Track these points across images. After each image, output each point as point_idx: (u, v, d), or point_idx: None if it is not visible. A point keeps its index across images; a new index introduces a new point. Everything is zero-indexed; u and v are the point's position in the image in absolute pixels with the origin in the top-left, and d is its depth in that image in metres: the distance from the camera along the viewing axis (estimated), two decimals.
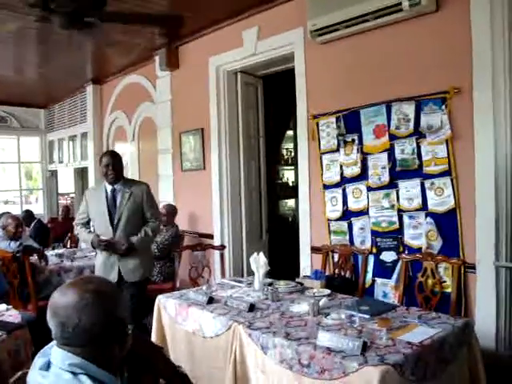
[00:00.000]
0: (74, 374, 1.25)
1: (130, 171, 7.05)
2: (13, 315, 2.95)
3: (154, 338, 3.25)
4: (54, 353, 1.31)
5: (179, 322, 3.10)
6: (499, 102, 3.09)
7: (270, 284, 3.34)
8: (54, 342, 1.34)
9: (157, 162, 6.20)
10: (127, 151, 7.14)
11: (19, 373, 1.61)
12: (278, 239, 5.67)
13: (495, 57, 3.09)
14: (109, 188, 3.77)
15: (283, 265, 4.54)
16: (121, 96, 7.26)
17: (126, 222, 3.74)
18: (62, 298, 1.30)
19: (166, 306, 3.25)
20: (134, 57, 6.28)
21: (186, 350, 3.03)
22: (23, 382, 1.51)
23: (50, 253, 5.25)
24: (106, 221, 3.74)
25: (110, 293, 1.35)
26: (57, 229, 7.71)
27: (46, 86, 7.98)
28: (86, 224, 3.91)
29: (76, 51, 5.94)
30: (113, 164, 3.69)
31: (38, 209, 9.66)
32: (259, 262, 3.31)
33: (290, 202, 6.77)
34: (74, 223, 4.08)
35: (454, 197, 3.28)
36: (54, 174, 9.97)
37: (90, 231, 3.87)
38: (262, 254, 3.39)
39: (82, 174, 9.05)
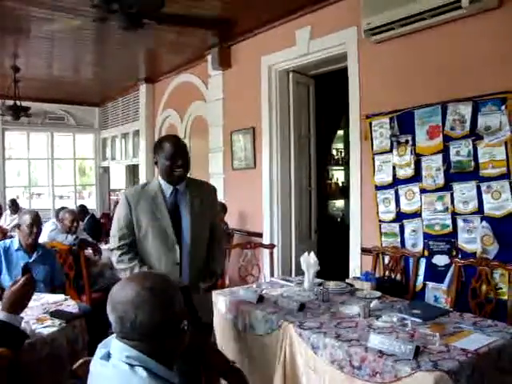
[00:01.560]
0: (131, 365, 1.29)
1: None
2: (70, 305, 3.06)
3: None
4: (114, 344, 1.35)
5: (229, 318, 3.14)
6: None
7: (320, 284, 3.33)
8: (114, 334, 1.39)
9: (208, 160, 6.28)
10: None
11: (81, 360, 1.67)
12: (327, 239, 5.65)
13: None
14: (167, 189, 2.74)
15: (332, 265, 4.51)
16: (173, 94, 7.40)
17: (195, 239, 2.75)
18: (120, 293, 1.35)
19: (217, 303, 3.29)
20: (187, 56, 6.39)
21: (236, 346, 3.06)
22: (83, 369, 1.57)
23: (102, 247, 5.41)
24: (168, 236, 2.69)
25: (166, 290, 1.38)
26: (108, 224, 7.92)
27: (101, 84, 8.25)
28: (130, 248, 2.70)
29: (130, 51, 6.11)
30: (182, 155, 2.68)
31: (91, 204, 9.97)
32: (310, 262, 3.30)
33: (339, 203, 6.73)
34: (109, 248, 3.05)
35: None
36: (106, 170, 10.27)
37: (143, 265, 2.68)
38: (312, 253, 3.38)
39: (133, 170, 9.28)
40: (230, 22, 5.10)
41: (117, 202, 9.09)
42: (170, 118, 7.55)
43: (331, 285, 3.31)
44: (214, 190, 3.01)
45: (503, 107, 3.18)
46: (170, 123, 7.58)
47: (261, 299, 3.09)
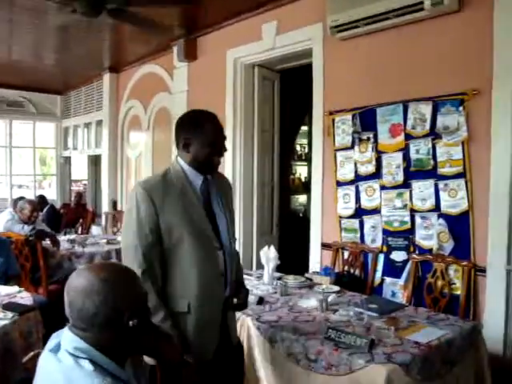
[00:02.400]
0: (78, 357, 1.26)
1: (144, 161, 7.10)
2: (24, 297, 2.99)
3: None
4: (65, 335, 1.33)
5: None
6: None
7: (280, 278, 3.36)
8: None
9: (171, 153, 6.22)
10: (141, 140, 7.19)
11: (32, 353, 1.64)
12: (289, 234, 5.68)
13: None
14: (196, 179, 2.13)
15: (293, 260, 4.54)
16: (137, 85, 7.29)
17: (233, 243, 2.27)
18: (75, 280, 1.34)
19: None
20: (152, 46, 6.30)
21: None
22: (34, 363, 1.54)
23: (61, 238, 5.30)
24: (209, 241, 2.10)
25: (120, 284, 1.34)
26: (69, 215, 7.81)
27: (64, 72, 8.03)
28: (152, 262, 2.01)
29: (94, 39, 5.97)
30: (223, 138, 2.18)
31: (51, 194, 9.74)
32: (269, 256, 3.33)
33: (302, 198, 6.78)
34: (136, 267, 1.93)
35: (468, 199, 3.26)
36: (67, 160, 10.05)
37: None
38: (272, 247, 3.40)
39: (95, 161, 9.12)
40: (197, 13, 5.05)
41: (78, 193, 9.04)
42: (133, 109, 7.44)
43: (290, 279, 3.34)
44: (230, 183, 2.45)
45: (461, 108, 3.26)
46: (133, 114, 7.47)
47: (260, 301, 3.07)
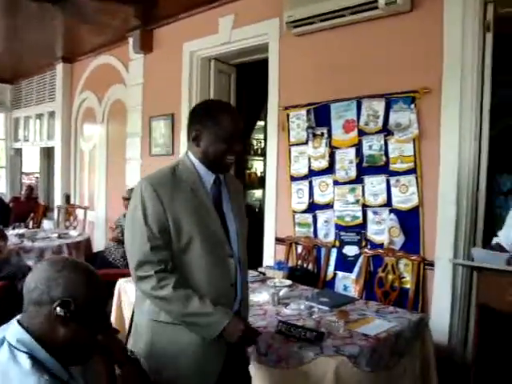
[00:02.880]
0: (18, 350, 1.22)
1: (98, 153, 6.96)
2: None
3: (113, 321, 3.22)
4: (11, 327, 1.29)
5: None
6: (466, 105, 3.16)
7: None
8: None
9: (125, 146, 6.12)
10: (96, 133, 7.04)
11: None
12: None
13: (464, 60, 3.15)
14: (208, 178, 1.91)
15: (248, 254, 4.50)
16: (92, 76, 7.13)
17: (244, 249, 2.07)
18: (36, 269, 1.33)
19: (127, 290, 3.23)
20: (107, 37, 6.15)
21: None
22: None
23: (10, 232, 5.13)
24: (220, 246, 1.88)
25: (69, 272, 1.30)
26: (19, 208, 7.55)
27: (14, 60, 7.72)
28: (169, 265, 1.79)
29: (46, 27, 5.77)
30: (240, 135, 1.93)
31: (0, 187, 9.42)
32: None
33: (258, 193, 6.79)
34: (137, 276, 1.79)
35: (418, 195, 3.33)
36: (18, 152, 9.73)
37: (200, 299, 1.78)
38: None
39: (48, 153, 8.87)
40: (153, 4, 4.97)
41: (29, 186, 8.76)
42: (88, 101, 7.27)
43: None
44: (241, 187, 2.22)
45: (412, 106, 3.33)
46: (87, 106, 7.30)
47: None
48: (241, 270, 1.96)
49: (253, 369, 2.33)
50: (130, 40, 5.76)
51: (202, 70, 5.10)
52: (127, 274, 4.02)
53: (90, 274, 1.36)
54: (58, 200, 7.77)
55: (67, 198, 7.65)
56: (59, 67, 7.64)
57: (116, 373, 1.59)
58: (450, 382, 2.97)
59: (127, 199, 5.10)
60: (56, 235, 5.36)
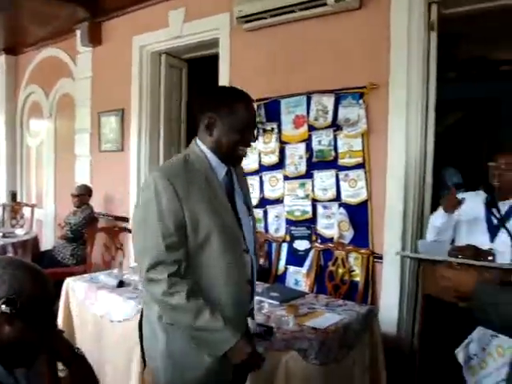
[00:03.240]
0: None
1: (46, 150, 6.75)
2: None
3: (60, 322, 3.14)
4: None
5: (88, 304, 3.02)
6: (412, 101, 3.23)
7: None
8: None
9: (74, 141, 5.96)
10: (43, 128, 6.82)
11: None
12: None
13: (410, 57, 3.22)
14: (220, 169, 1.79)
15: None
16: (38, 69, 6.89)
17: (256, 244, 1.95)
18: None
19: (75, 289, 3.16)
20: (54, 29, 5.94)
21: (94, 334, 2.96)
22: None
23: None
24: (237, 241, 1.76)
25: (13, 268, 1.27)
26: None
27: None
28: (182, 269, 1.66)
29: None
30: (255, 125, 1.93)
31: None
32: None
33: None
34: (146, 277, 1.65)
35: (367, 189, 3.39)
36: None
37: (211, 313, 1.64)
38: None
39: None
40: None
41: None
42: (34, 95, 7.02)
43: None
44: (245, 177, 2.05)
45: (361, 101, 3.38)
46: (33, 100, 7.06)
47: (121, 284, 3.01)
48: (255, 265, 1.85)
49: None
50: (78, 32, 5.60)
51: (152, 64, 5.01)
52: (76, 273, 3.98)
53: (36, 272, 1.32)
54: (3, 198, 7.49)
55: (13, 195, 7.40)
56: (1, 59, 7.33)
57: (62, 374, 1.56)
58: (399, 371, 3.04)
59: (77, 196, 5.00)
60: (0, 234, 5.17)
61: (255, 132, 1.83)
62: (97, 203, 5.30)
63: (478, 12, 3.39)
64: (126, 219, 5.13)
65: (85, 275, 3.43)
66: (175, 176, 1.66)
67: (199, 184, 1.69)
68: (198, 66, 5.38)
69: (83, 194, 5.07)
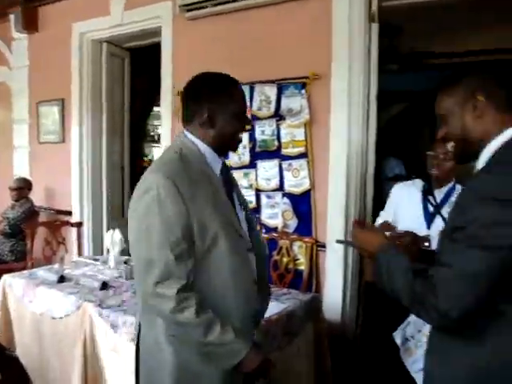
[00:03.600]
0: None
1: None
2: None
3: None
4: None
5: (26, 302, 2.91)
6: (354, 91, 3.28)
7: (126, 261, 3.26)
8: None
9: (11, 132, 5.72)
10: None
11: None
12: None
13: (351, 48, 3.26)
14: (216, 163, 1.66)
15: None
16: None
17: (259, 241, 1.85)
18: None
19: (13, 286, 3.04)
20: None
21: (34, 332, 2.87)
22: None
23: None
24: (241, 241, 1.64)
25: None
26: None
27: None
28: (189, 277, 1.51)
29: None
30: None
31: None
32: (114, 239, 3.21)
33: None
34: (167, 287, 1.47)
35: (310, 179, 3.42)
36: None
37: (222, 326, 1.53)
38: (117, 230, 3.28)
39: None
40: None
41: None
42: None
43: None
44: None
45: (303, 91, 3.40)
46: None
47: (61, 280, 2.92)
48: (261, 264, 1.74)
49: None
50: (12, 17, 5.32)
51: (92, 52, 4.86)
52: (15, 269, 3.82)
53: None
54: None
55: None
56: None
57: None
58: (343, 357, 3.10)
59: (15, 189, 4.82)
60: None
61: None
62: (37, 197, 5.11)
63: (418, 5, 3.47)
64: (69, 213, 4.99)
65: (24, 271, 3.31)
66: (176, 175, 1.50)
67: (201, 182, 1.55)
68: (141, 55, 5.27)
69: (22, 188, 4.89)
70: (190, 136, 1.63)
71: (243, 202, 1.78)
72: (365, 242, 1.51)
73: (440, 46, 6.01)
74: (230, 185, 1.72)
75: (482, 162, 1.33)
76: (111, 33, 4.67)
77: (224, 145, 1.65)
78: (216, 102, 1.59)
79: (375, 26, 3.35)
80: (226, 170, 1.72)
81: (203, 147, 1.61)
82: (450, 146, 1.45)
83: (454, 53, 6.04)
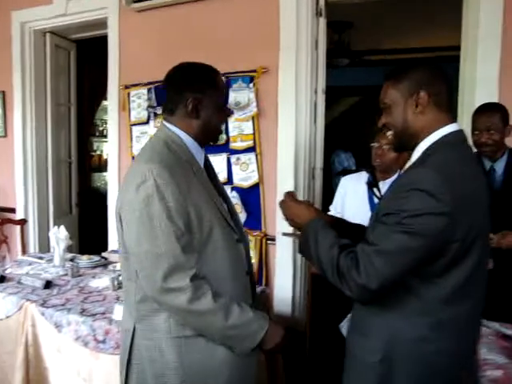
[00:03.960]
0: None
1: None
2: None
3: None
4: None
5: None
6: (301, 85, 3.30)
7: (72, 259, 3.18)
8: None
9: None
10: None
11: None
12: (91, 213, 5.43)
13: (299, 42, 3.28)
14: (199, 154, 1.65)
15: (94, 239, 4.34)
16: None
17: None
18: None
19: None
20: None
21: None
22: None
23: None
24: (231, 231, 1.62)
25: None
26: None
27: None
28: (196, 268, 1.49)
29: None
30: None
31: None
32: (59, 237, 3.12)
33: (105, 175, 6.52)
34: (176, 280, 1.45)
35: (258, 172, 3.42)
36: None
37: (238, 305, 1.55)
38: (62, 227, 3.19)
39: None
40: None
41: None
42: None
43: (84, 259, 3.19)
44: None
45: (251, 85, 3.39)
46: None
47: (2, 280, 2.82)
48: (248, 254, 1.74)
49: (91, 358, 2.26)
50: None
51: (35, 43, 4.66)
52: None
53: None
54: None
55: None
56: None
57: None
58: (293, 350, 3.13)
59: None
60: None
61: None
62: None
63: (363, 1, 3.53)
64: (13, 210, 4.81)
65: None
66: (173, 167, 1.49)
67: (191, 173, 1.55)
68: (88, 47, 5.13)
69: None
70: (173, 128, 1.61)
71: (225, 194, 1.78)
72: (296, 214, 1.58)
73: (388, 43, 6.15)
74: (214, 176, 1.73)
75: (416, 154, 1.41)
76: (55, 23, 4.49)
77: (207, 136, 1.65)
78: (200, 91, 1.58)
79: (322, 21, 3.38)
80: (208, 162, 1.72)
81: (186, 138, 1.60)
82: (389, 134, 1.51)
83: (398, 49, 6.19)
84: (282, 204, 1.66)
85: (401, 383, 1.36)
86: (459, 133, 1.41)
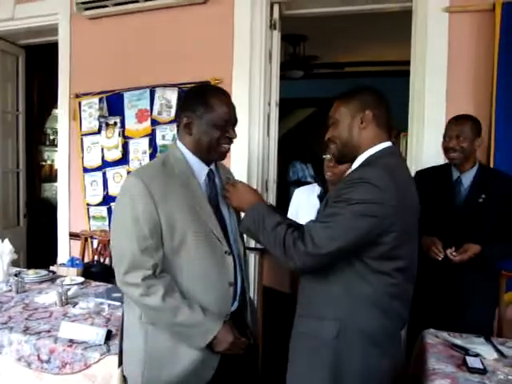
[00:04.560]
0: None
1: None
2: None
3: None
4: None
5: None
6: (254, 98, 3.33)
7: (17, 274, 3.06)
8: None
9: None
10: None
11: None
12: (40, 225, 5.26)
13: (253, 54, 3.30)
14: (200, 170, 1.78)
15: (43, 252, 4.20)
16: None
17: (244, 245, 1.96)
18: None
19: None
20: None
21: None
22: None
23: None
24: (216, 244, 1.73)
25: None
26: None
27: None
28: (155, 269, 1.66)
29: None
30: (236, 119, 1.82)
31: None
32: (3, 250, 2.99)
33: (56, 186, 6.33)
34: (134, 276, 1.66)
35: None
36: None
37: (190, 307, 1.68)
38: (6, 240, 3.07)
39: None
40: None
41: None
42: None
43: (30, 274, 3.07)
44: (232, 174, 2.09)
45: None
46: None
47: None
48: (240, 267, 1.85)
49: (34, 379, 2.16)
50: None
51: None
52: None
53: None
54: None
55: None
56: None
57: None
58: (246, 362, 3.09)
59: None
60: None
61: (234, 128, 1.80)
62: None
63: (317, 15, 3.57)
64: None
65: None
66: (151, 178, 1.67)
67: (178, 187, 1.70)
68: (39, 53, 4.99)
69: None
70: (179, 145, 1.79)
71: (225, 210, 1.86)
72: (241, 199, 1.76)
73: (341, 56, 6.27)
74: (216, 191, 1.82)
75: (356, 164, 1.64)
76: (1, 27, 4.35)
77: (202, 151, 1.75)
78: (193, 111, 1.72)
79: (276, 34, 3.41)
80: (213, 177, 1.82)
81: (190, 156, 1.76)
82: (332, 147, 1.72)
83: (351, 62, 6.32)
84: (230, 187, 1.80)
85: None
86: (393, 148, 1.65)
